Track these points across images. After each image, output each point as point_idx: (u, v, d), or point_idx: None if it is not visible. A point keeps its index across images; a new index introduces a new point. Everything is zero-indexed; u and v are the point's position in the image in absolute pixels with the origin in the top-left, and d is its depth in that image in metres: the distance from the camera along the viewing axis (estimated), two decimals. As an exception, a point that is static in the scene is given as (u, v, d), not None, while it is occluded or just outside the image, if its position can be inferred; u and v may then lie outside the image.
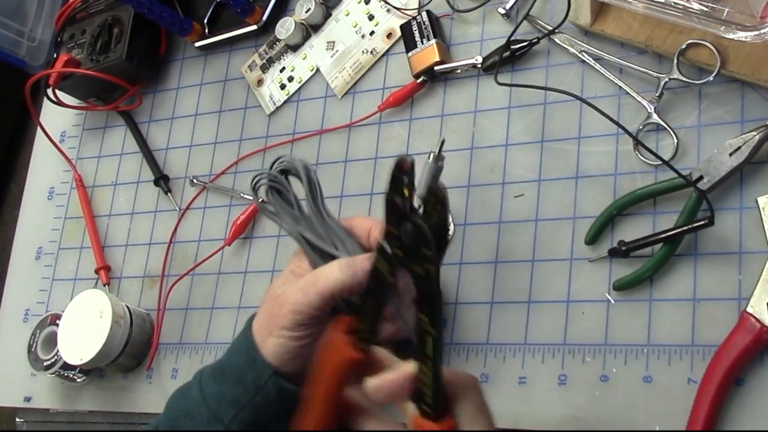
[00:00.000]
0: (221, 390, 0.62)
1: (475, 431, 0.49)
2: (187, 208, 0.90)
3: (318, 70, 0.87)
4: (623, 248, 0.66)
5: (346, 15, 0.87)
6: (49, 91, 0.95)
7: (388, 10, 0.85)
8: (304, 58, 0.89)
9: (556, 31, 0.74)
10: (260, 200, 0.66)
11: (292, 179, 0.67)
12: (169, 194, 0.91)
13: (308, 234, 0.65)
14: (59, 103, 0.96)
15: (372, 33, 0.85)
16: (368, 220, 0.66)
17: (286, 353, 0.61)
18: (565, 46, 0.75)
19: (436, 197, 0.48)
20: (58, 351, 0.83)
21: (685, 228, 0.63)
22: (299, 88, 0.88)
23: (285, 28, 0.88)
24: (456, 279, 0.73)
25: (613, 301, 0.67)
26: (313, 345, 0.61)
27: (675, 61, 0.68)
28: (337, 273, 0.61)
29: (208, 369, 0.65)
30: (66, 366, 0.85)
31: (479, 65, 0.78)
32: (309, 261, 0.65)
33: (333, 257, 0.63)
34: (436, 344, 0.48)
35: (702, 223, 0.62)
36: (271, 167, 0.66)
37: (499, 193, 0.74)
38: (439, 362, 0.48)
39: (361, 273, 0.60)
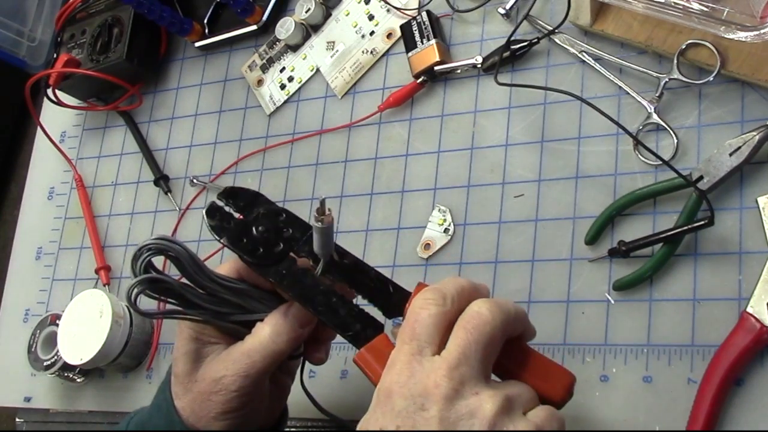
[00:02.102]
0: None
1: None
2: (187, 208, 0.90)
3: (318, 70, 0.87)
4: (623, 248, 0.66)
5: (346, 15, 0.87)
6: (49, 91, 0.95)
7: (388, 10, 0.85)
8: (304, 58, 0.89)
9: (556, 31, 0.74)
10: (157, 313, 0.60)
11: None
12: (169, 194, 0.91)
13: (220, 316, 0.59)
14: (59, 103, 0.96)
15: (372, 33, 0.85)
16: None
17: (240, 426, 0.59)
18: (565, 46, 0.75)
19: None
20: (58, 351, 0.83)
21: (685, 228, 0.63)
22: (299, 88, 0.88)
23: (285, 28, 0.88)
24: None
25: (613, 301, 0.67)
26: (257, 409, 0.60)
27: (675, 61, 0.68)
28: (272, 346, 0.58)
29: (136, 419, 0.63)
30: (66, 366, 0.85)
31: (479, 65, 0.78)
32: (220, 328, 0.60)
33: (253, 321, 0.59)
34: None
35: (702, 223, 0.62)
36: (136, 268, 0.55)
37: (499, 193, 0.74)
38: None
39: (293, 333, 0.58)
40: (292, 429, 0.75)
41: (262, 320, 0.59)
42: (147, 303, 0.57)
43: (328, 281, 0.58)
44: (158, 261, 0.56)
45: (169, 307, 0.59)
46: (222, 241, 0.58)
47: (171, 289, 0.57)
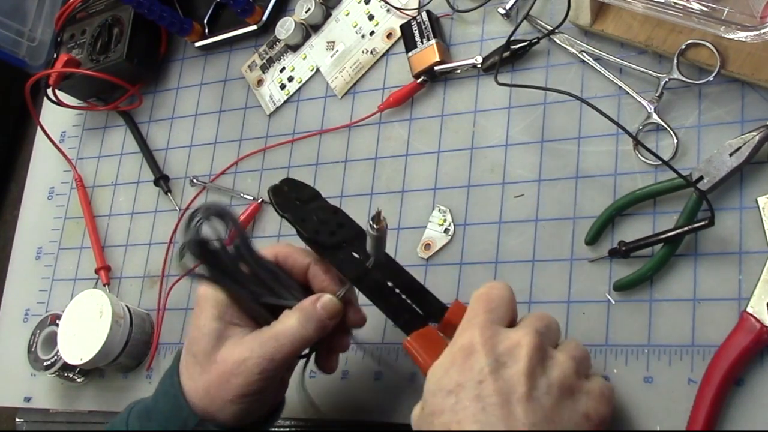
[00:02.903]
0: None
1: None
2: (187, 208, 0.90)
3: (318, 70, 0.87)
4: (623, 248, 0.66)
5: (346, 15, 0.87)
6: (49, 91, 0.95)
7: (388, 10, 0.85)
8: (304, 58, 0.89)
9: (556, 31, 0.74)
10: (196, 273, 0.60)
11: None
12: (169, 194, 0.91)
13: (250, 292, 0.60)
14: (59, 103, 0.96)
15: (372, 33, 0.85)
16: (302, 254, 0.62)
17: (251, 412, 0.60)
18: (565, 46, 0.75)
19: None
20: (58, 351, 0.83)
21: (686, 228, 0.63)
22: (299, 88, 0.88)
23: (285, 28, 0.88)
24: (456, 279, 0.73)
25: (613, 302, 0.67)
26: (269, 397, 0.61)
27: (675, 61, 0.68)
28: (300, 331, 0.59)
29: (138, 408, 0.63)
30: (66, 366, 0.85)
31: (479, 65, 0.78)
32: (246, 310, 0.61)
33: (280, 307, 0.61)
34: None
35: (702, 223, 0.62)
36: (188, 225, 0.58)
37: (499, 193, 0.74)
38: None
39: (320, 323, 0.59)
40: (292, 429, 0.75)
41: (290, 308, 0.60)
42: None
43: (379, 275, 0.60)
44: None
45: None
46: (286, 216, 0.60)
47: (215, 255, 0.58)
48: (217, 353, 0.59)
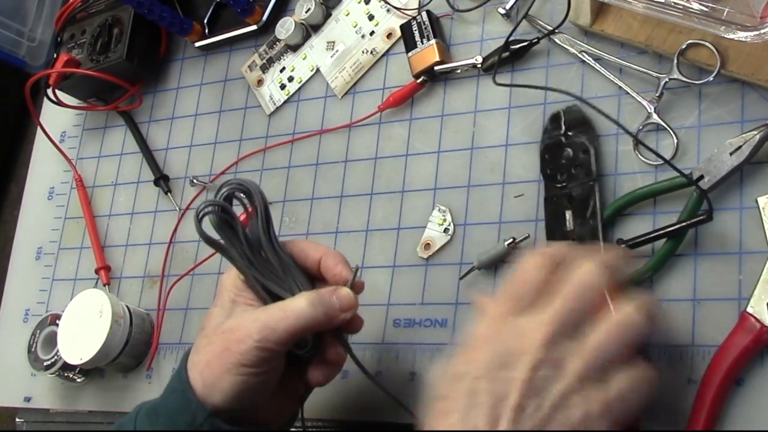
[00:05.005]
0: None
1: None
2: (187, 208, 0.90)
3: (318, 70, 0.87)
4: (622, 247, 0.66)
5: (346, 15, 0.87)
6: (49, 91, 0.95)
7: (388, 10, 0.85)
8: (304, 58, 0.89)
9: (556, 31, 0.74)
10: (207, 236, 0.60)
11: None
12: (169, 194, 0.91)
13: (258, 272, 0.61)
14: (59, 103, 0.96)
15: (372, 33, 0.85)
16: (314, 247, 0.63)
17: (247, 391, 0.58)
18: (565, 46, 0.75)
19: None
20: (58, 351, 0.83)
21: (683, 224, 0.63)
22: (299, 88, 0.88)
23: (285, 28, 0.88)
24: (456, 279, 0.73)
25: (613, 301, 0.67)
26: (268, 381, 0.60)
27: (675, 61, 0.68)
28: (309, 309, 0.58)
29: (146, 406, 0.63)
30: (66, 366, 0.85)
31: (479, 65, 0.78)
32: (257, 295, 0.61)
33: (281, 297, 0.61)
34: None
35: (700, 218, 0.62)
36: (217, 194, 0.60)
37: (499, 193, 0.74)
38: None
39: (332, 310, 0.59)
40: (292, 429, 0.75)
41: None
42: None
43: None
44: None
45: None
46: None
47: (233, 227, 0.60)
48: (225, 324, 0.60)
